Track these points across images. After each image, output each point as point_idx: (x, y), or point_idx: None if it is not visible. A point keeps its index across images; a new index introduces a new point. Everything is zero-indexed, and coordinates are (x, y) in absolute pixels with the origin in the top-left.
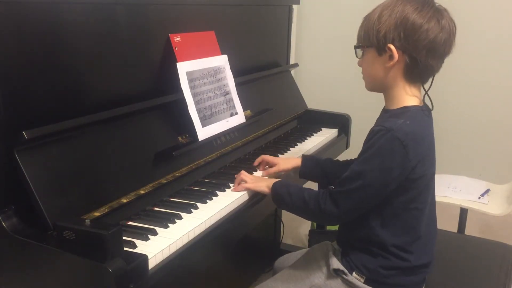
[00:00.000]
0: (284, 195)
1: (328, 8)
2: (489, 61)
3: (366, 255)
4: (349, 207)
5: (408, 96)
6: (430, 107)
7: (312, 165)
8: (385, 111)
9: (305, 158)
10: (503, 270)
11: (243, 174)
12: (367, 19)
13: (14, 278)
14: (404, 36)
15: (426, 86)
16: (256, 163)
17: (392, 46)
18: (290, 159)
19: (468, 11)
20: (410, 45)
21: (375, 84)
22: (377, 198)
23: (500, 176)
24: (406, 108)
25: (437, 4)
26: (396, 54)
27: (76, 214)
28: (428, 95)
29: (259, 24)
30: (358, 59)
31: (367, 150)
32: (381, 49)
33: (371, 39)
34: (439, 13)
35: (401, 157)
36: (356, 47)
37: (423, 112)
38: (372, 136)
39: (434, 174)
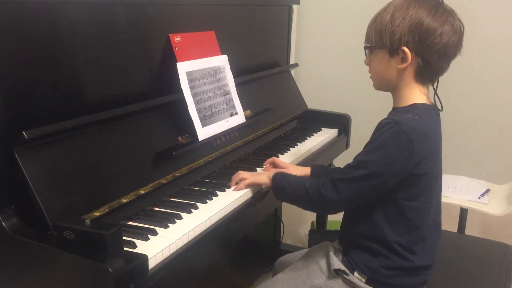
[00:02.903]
0: (285, 185)
1: (328, 8)
2: (489, 61)
3: (368, 255)
4: (350, 194)
5: (418, 95)
6: (440, 107)
7: (322, 173)
8: (393, 109)
9: (314, 166)
10: (503, 270)
11: (241, 173)
12: (378, 19)
13: (14, 278)
14: (419, 39)
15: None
16: (266, 163)
17: (406, 49)
18: (300, 167)
19: (470, 10)
20: (424, 48)
21: (385, 84)
22: (378, 189)
23: (500, 176)
24: (414, 105)
25: (447, 6)
26: (409, 57)
27: (76, 214)
28: (437, 95)
29: (259, 24)
30: (365, 58)
31: (373, 141)
32: (394, 51)
33: (384, 41)
34: (451, 15)
35: (406, 150)
36: (366, 48)
37: (432, 111)
38: (380, 128)
39: (439, 174)
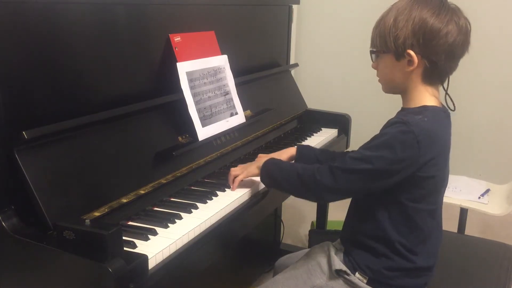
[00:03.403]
0: (275, 171)
1: (328, 8)
2: (490, 61)
3: (369, 255)
4: (347, 184)
5: (427, 96)
6: (452, 107)
7: (307, 153)
8: (402, 109)
9: (300, 146)
10: (503, 270)
11: (233, 171)
12: (381, 23)
13: (14, 278)
14: (424, 41)
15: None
16: None
17: (411, 52)
18: (284, 150)
19: (472, 8)
20: (430, 50)
21: (394, 88)
22: (377, 185)
23: (500, 176)
24: (425, 107)
25: (451, 4)
26: (416, 59)
27: (76, 214)
28: (449, 96)
29: (259, 24)
30: (371, 62)
31: (380, 137)
32: (400, 55)
33: (389, 45)
34: (455, 14)
35: (412, 151)
36: (372, 52)
37: (443, 113)
38: (388, 126)
39: (446, 178)
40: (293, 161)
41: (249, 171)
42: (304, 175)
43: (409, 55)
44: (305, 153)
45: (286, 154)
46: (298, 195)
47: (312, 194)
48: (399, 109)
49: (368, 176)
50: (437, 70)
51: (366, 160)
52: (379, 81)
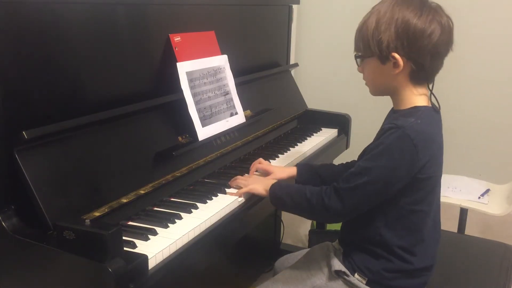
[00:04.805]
0: (284, 197)
1: (328, 8)
2: (489, 60)
3: (369, 257)
4: (354, 203)
5: (417, 96)
6: (437, 106)
7: (308, 172)
8: (393, 111)
9: (300, 166)
10: (503, 270)
11: (239, 179)
12: (363, 27)
13: (14, 278)
14: (408, 43)
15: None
16: (251, 173)
17: (396, 55)
18: (285, 168)
19: (466, 8)
20: (415, 51)
21: (381, 90)
22: (382, 195)
23: (500, 176)
24: (416, 108)
25: (432, 3)
26: (401, 62)
27: (76, 214)
28: (434, 95)
29: (259, 24)
30: (358, 66)
31: (376, 147)
32: (385, 58)
33: (373, 49)
34: (437, 13)
35: (410, 155)
36: (356, 57)
37: (434, 113)
38: (382, 134)
39: (441, 176)
40: (294, 181)
41: (254, 188)
42: (312, 199)
43: (394, 58)
44: (306, 173)
45: (286, 172)
46: (308, 217)
47: (321, 217)
48: None
49: (371, 188)
50: (424, 71)
51: (366, 172)
52: (366, 84)
